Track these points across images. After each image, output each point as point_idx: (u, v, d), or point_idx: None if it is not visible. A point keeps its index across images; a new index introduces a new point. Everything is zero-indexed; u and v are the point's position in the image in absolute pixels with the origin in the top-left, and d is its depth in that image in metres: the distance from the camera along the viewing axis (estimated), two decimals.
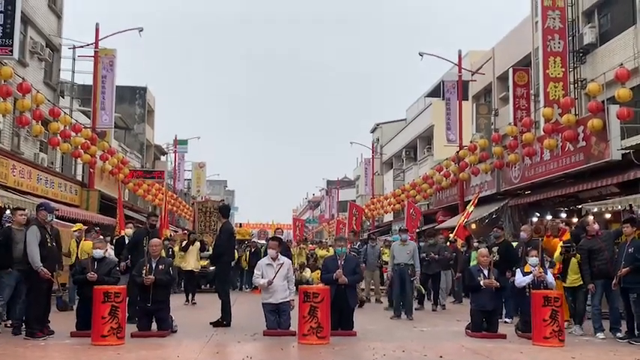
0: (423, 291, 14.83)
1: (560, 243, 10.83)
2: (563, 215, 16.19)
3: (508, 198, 20.14)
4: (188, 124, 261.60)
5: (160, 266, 9.81)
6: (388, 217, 39.08)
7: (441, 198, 27.03)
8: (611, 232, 11.15)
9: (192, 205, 35.30)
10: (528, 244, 11.07)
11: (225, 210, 11.64)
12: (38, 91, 17.42)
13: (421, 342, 9.29)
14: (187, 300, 15.61)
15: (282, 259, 10.20)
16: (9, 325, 9.74)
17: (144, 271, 9.65)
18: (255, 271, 10.39)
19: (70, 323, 9.65)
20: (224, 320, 10.54)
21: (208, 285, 18.85)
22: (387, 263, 14.71)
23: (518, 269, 10.38)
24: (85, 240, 13.30)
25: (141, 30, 23.24)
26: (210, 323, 10.53)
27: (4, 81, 15.18)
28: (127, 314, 9.15)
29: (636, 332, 9.56)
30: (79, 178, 24.59)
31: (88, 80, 24.49)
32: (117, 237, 14.87)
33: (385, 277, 15.86)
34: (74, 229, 14.19)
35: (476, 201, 19.32)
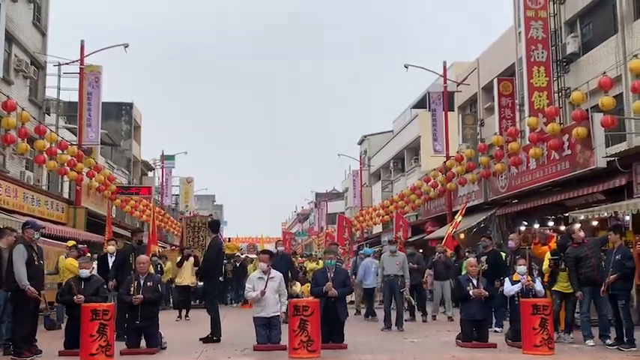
0: (413, 302, 14.85)
1: (548, 255, 10.80)
2: (551, 223, 16.29)
3: (495, 207, 20.21)
4: (175, 139, 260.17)
5: (149, 283, 9.68)
6: (377, 229, 39.11)
7: (430, 208, 27.08)
8: (597, 239, 11.23)
9: (180, 221, 35.17)
10: (516, 252, 11.07)
11: (214, 225, 11.63)
12: (23, 109, 17.30)
13: (412, 353, 9.30)
14: (180, 316, 15.50)
15: (274, 272, 10.13)
16: None
17: (132, 289, 9.54)
18: (246, 284, 10.32)
19: (58, 342, 9.56)
20: (214, 336, 10.46)
21: (197, 301, 18.70)
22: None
23: (507, 278, 10.41)
24: (68, 257, 13.14)
25: (126, 46, 23.17)
26: (200, 339, 10.44)
27: None
28: (115, 332, 9.07)
29: (625, 339, 9.62)
30: (66, 195, 24.43)
31: (74, 97, 24.33)
32: (100, 254, 14.70)
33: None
34: (69, 244, 14.09)
35: (463, 211, 19.37)
